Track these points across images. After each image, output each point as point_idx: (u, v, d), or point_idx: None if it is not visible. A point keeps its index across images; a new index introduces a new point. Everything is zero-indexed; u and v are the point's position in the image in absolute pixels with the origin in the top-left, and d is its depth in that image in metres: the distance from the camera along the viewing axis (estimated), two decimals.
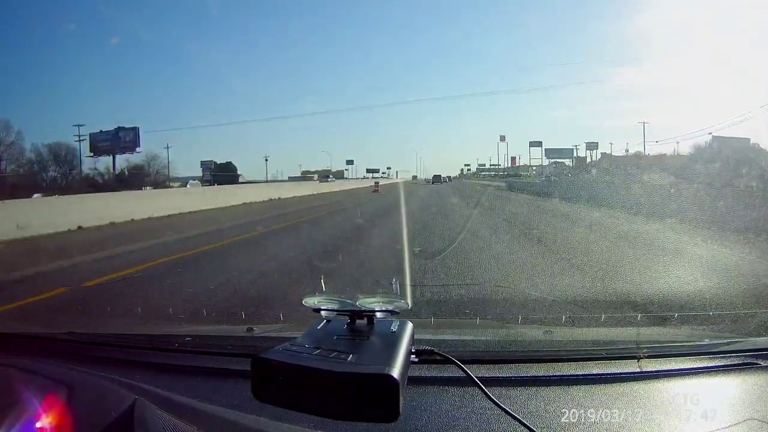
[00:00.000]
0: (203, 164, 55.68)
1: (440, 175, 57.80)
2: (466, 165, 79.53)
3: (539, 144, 64.67)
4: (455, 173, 74.55)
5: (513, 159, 71.31)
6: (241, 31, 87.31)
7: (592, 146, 59.67)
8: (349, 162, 77.49)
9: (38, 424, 1.03)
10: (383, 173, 77.44)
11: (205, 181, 48.92)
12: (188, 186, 39.64)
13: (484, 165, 75.15)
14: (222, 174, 52.42)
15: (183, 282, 5.50)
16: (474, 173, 74.51)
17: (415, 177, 71.97)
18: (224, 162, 57.58)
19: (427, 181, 57.19)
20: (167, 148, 48.58)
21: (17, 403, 1.07)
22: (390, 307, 0.92)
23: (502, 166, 71.01)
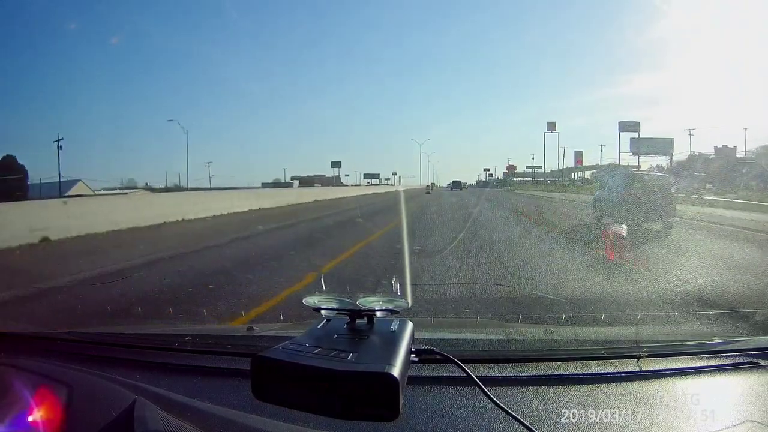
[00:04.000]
0: None
1: (459, 181, 53.23)
2: (485, 169, 66.95)
3: (634, 128, 35.95)
4: (472, 180, 63.74)
5: (578, 155, 47.88)
6: None
7: None
8: (335, 164, 61.46)
9: (38, 423, 1.03)
10: (386, 179, 63.34)
11: None
12: None
13: (515, 168, 60.75)
14: None
15: None
16: (503, 180, 58.93)
17: (432, 186, 54.55)
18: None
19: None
20: None
21: (17, 402, 1.07)
22: (390, 307, 0.92)
23: (543, 170, 53.30)
